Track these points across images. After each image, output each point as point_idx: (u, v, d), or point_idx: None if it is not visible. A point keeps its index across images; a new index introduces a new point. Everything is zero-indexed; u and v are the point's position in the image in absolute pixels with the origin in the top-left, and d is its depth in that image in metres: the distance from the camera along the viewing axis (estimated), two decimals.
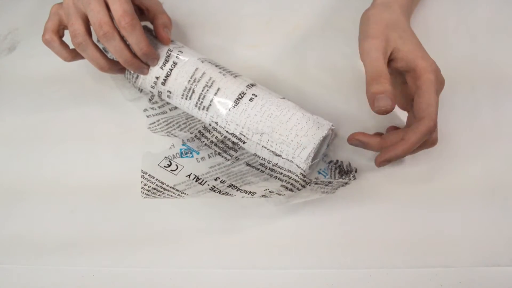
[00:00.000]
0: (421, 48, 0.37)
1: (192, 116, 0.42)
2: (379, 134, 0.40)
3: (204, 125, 0.40)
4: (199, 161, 0.38)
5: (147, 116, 0.44)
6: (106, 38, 0.38)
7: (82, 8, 0.38)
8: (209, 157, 0.39)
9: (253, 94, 0.39)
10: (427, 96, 0.35)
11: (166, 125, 0.43)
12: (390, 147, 0.36)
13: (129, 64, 0.40)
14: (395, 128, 0.41)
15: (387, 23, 0.38)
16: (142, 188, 0.34)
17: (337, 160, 0.41)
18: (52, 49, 0.41)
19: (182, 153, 0.38)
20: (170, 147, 0.38)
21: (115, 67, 0.42)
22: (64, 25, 0.41)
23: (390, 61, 0.37)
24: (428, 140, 0.37)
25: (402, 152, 0.36)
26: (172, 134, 0.41)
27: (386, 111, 0.34)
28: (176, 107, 0.44)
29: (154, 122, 0.43)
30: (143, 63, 0.41)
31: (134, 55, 0.40)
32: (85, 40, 0.38)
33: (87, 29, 0.39)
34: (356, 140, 0.38)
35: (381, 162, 0.37)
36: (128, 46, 0.39)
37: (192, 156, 0.38)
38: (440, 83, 0.37)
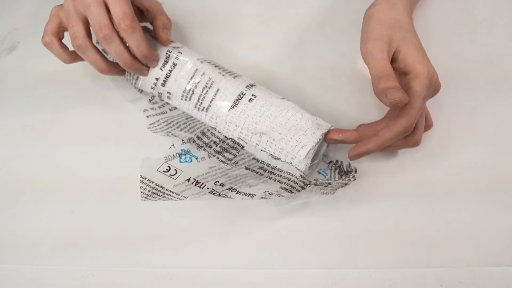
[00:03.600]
0: (421, 51, 0.38)
1: (192, 116, 0.42)
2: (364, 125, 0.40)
3: (203, 131, 0.40)
4: (199, 161, 0.38)
5: (147, 116, 0.44)
6: (106, 40, 0.38)
7: (82, 10, 0.38)
8: (209, 157, 0.39)
9: (252, 95, 0.39)
10: (412, 99, 0.35)
11: (166, 125, 0.43)
12: (363, 141, 0.37)
13: (129, 66, 0.40)
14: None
15: (390, 23, 0.38)
16: (141, 192, 0.34)
17: (337, 161, 0.41)
18: (52, 51, 0.41)
19: (180, 158, 0.38)
20: (170, 147, 0.38)
21: (115, 69, 0.41)
22: (64, 27, 0.40)
23: (391, 61, 0.37)
24: (410, 141, 0.38)
25: (374, 147, 0.36)
26: (172, 134, 0.41)
27: (400, 102, 0.34)
28: (176, 108, 0.44)
29: (154, 122, 0.43)
30: (143, 65, 0.41)
31: (134, 57, 0.40)
32: (85, 43, 0.38)
33: (87, 32, 0.39)
34: (332, 140, 0.38)
35: (353, 156, 0.37)
36: (127, 48, 0.39)
37: (191, 161, 0.38)
38: (433, 89, 0.37)
